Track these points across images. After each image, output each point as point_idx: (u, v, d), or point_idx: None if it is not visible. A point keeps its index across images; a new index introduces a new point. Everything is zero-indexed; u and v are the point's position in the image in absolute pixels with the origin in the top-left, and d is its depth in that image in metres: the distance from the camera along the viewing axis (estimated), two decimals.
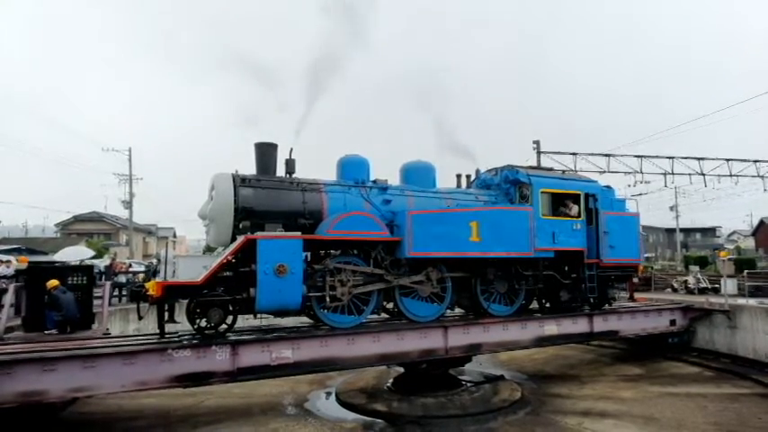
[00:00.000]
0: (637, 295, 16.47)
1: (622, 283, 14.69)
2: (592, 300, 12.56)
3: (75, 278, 11.28)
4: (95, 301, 11.67)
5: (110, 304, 12.71)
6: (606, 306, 13.28)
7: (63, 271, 11.63)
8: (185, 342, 8.84)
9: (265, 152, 10.24)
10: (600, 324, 12.66)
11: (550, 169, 14.79)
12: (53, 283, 10.49)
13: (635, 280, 15.65)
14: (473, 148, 13.34)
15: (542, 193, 11.79)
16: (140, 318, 9.75)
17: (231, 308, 9.17)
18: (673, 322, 14.23)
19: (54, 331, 10.41)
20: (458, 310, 12.62)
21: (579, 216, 12.18)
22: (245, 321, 10.61)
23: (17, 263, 14.15)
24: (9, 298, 10.82)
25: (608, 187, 13.76)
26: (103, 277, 16.54)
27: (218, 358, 8.66)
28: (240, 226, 9.34)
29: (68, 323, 10.48)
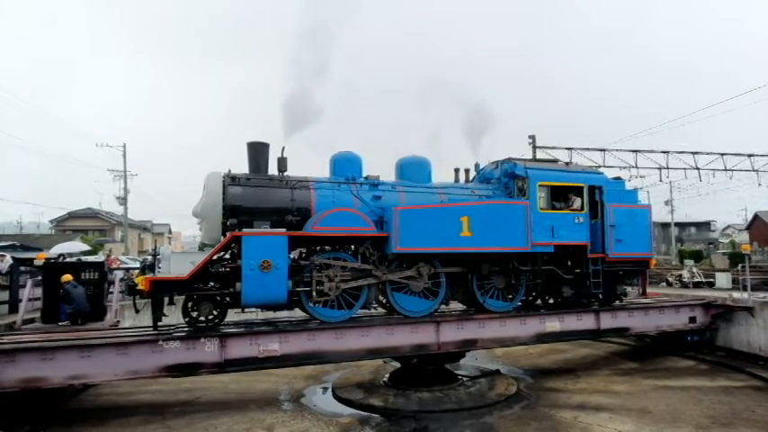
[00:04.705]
0: (648, 291, 15.82)
1: (634, 278, 13.98)
2: (600, 296, 12.28)
3: (88, 273, 12.28)
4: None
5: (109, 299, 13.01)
6: (617, 302, 12.93)
7: (77, 267, 12.61)
8: (175, 334, 9.17)
9: (257, 151, 10.39)
10: (608, 321, 12.25)
11: (555, 161, 14.56)
12: (66, 277, 11.37)
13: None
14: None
15: (540, 186, 11.65)
16: (137, 311, 10.15)
17: (222, 302, 9.57)
18: (692, 320, 13.50)
19: (67, 323, 11.21)
20: (460, 306, 12.63)
21: (582, 209, 12.01)
22: (240, 316, 10.69)
23: (37, 260, 14.68)
24: (27, 292, 11.87)
25: (617, 179, 13.51)
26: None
27: (207, 350, 8.99)
28: (228, 223, 9.62)
29: (79, 315, 11.26)
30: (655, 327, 13.17)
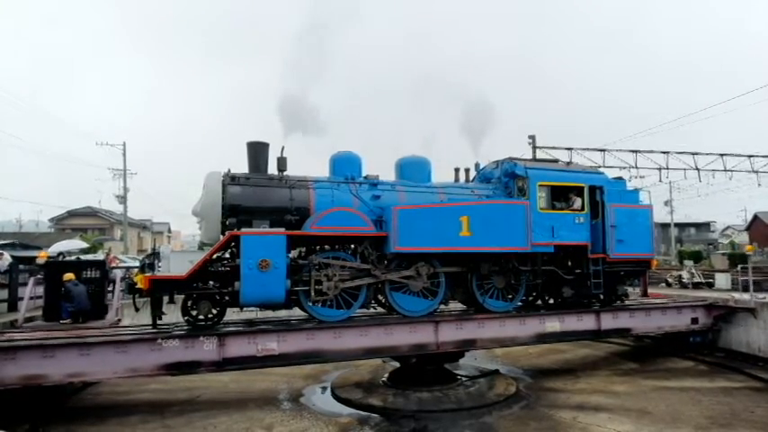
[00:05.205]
0: (649, 291, 15.81)
1: (635, 278, 13.99)
2: (601, 296, 12.25)
3: (90, 272, 12.32)
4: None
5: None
6: (618, 303, 12.87)
7: (79, 265, 12.57)
8: (174, 332, 9.21)
9: (257, 151, 10.43)
10: (609, 321, 12.19)
11: (555, 161, 14.53)
12: (68, 276, 11.42)
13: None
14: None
15: (540, 185, 11.63)
16: (136, 310, 10.32)
17: (221, 301, 9.62)
18: (695, 321, 13.41)
19: (68, 321, 11.26)
20: (460, 306, 12.61)
21: (582, 209, 11.97)
22: (240, 315, 10.69)
23: (39, 259, 14.73)
24: (29, 290, 11.95)
25: (619, 179, 13.50)
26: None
27: (206, 348, 9.05)
28: (227, 222, 9.67)
29: (81, 313, 11.31)
30: (656, 327, 13.11)
